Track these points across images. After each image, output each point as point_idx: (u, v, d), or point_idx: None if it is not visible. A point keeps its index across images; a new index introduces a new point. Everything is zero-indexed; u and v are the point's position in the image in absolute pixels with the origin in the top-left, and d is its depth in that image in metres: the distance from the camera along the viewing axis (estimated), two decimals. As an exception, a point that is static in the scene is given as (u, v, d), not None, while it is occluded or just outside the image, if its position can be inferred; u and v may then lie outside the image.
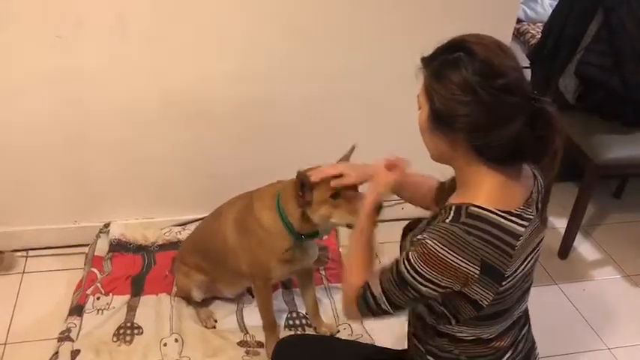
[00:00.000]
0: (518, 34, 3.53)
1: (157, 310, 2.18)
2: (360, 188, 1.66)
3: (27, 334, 2.10)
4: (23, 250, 2.48)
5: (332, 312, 2.23)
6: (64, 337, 2.03)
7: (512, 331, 1.32)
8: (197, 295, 2.13)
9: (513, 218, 1.16)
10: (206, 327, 2.13)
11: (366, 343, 1.96)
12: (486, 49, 1.11)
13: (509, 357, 1.33)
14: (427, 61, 1.19)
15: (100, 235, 2.49)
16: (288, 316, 2.21)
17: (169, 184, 2.49)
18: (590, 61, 2.49)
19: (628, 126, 2.53)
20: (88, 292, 2.21)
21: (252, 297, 2.17)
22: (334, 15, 2.25)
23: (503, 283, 1.17)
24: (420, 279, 1.15)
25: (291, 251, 1.83)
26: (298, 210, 1.74)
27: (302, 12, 2.21)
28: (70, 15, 2.05)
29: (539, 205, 1.25)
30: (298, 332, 2.14)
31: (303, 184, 1.67)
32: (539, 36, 2.96)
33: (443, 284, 1.15)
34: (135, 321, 2.13)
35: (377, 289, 1.24)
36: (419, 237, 1.17)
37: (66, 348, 1.98)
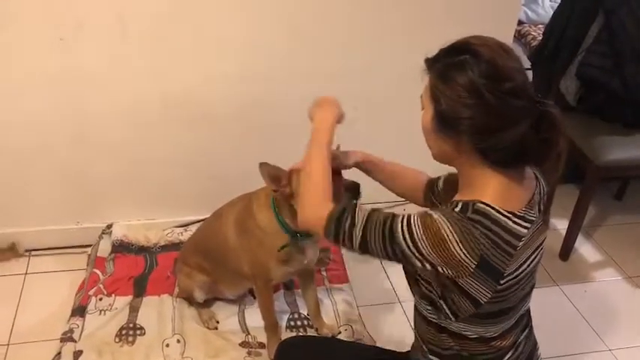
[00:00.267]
0: (520, 36, 3.54)
1: (159, 310, 2.18)
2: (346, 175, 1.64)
3: (30, 335, 2.11)
4: (26, 250, 2.49)
5: (333, 313, 2.23)
6: (67, 337, 2.03)
7: (515, 331, 1.32)
8: (199, 295, 2.13)
9: (517, 220, 1.16)
10: (208, 328, 2.14)
11: (369, 345, 1.96)
12: (492, 52, 1.12)
13: (510, 356, 1.33)
14: (432, 62, 1.19)
15: (103, 236, 2.50)
16: (290, 317, 2.21)
17: (171, 185, 2.50)
18: (591, 63, 2.49)
19: (629, 128, 2.53)
20: (91, 292, 2.22)
21: (254, 298, 2.18)
22: (334, 16, 2.26)
23: (502, 282, 1.17)
24: (412, 247, 1.15)
25: (288, 250, 1.82)
26: (286, 205, 1.73)
27: (302, 13, 2.22)
28: (72, 17, 2.06)
29: (542, 207, 1.26)
30: (300, 333, 2.14)
31: (274, 178, 1.65)
32: (541, 38, 2.96)
33: (431, 261, 1.14)
34: (137, 322, 2.13)
35: (359, 223, 1.22)
36: (427, 211, 1.17)
37: (68, 349, 1.99)
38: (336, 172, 1.56)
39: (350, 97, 2.35)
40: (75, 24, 2.07)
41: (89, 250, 2.46)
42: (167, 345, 2.04)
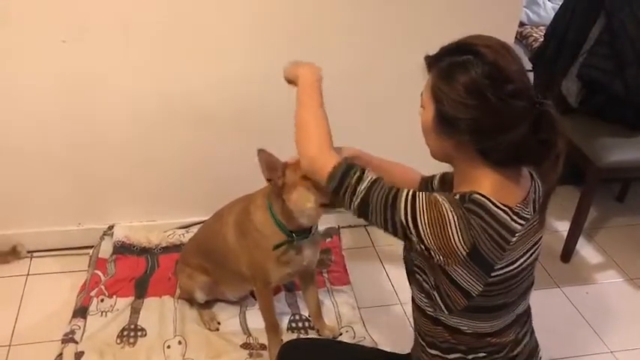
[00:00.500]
0: (521, 38, 3.54)
1: (160, 312, 2.18)
2: None
3: (31, 336, 2.11)
4: (28, 252, 2.49)
5: (334, 315, 2.23)
6: (68, 338, 2.03)
7: (512, 330, 1.32)
8: (200, 296, 2.14)
9: (512, 215, 1.17)
10: (209, 329, 2.14)
11: (371, 347, 1.96)
12: (495, 53, 1.12)
13: (506, 352, 1.33)
14: (433, 61, 1.20)
15: (104, 237, 2.50)
16: (291, 318, 2.21)
17: (173, 186, 2.50)
18: (593, 65, 2.49)
19: (630, 129, 2.53)
20: (92, 294, 2.22)
21: (255, 300, 2.18)
22: (334, 17, 2.26)
23: (493, 275, 1.18)
24: (410, 219, 1.15)
25: (285, 250, 1.82)
26: (279, 202, 1.74)
27: (302, 15, 2.22)
28: (74, 19, 2.06)
29: (537, 206, 1.26)
30: (301, 335, 2.14)
31: (270, 166, 1.66)
32: (542, 39, 2.96)
33: (424, 240, 1.14)
34: (138, 323, 2.14)
35: (366, 181, 1.21)
36: (432, 193, 1.18)
37: (70, 350, 1.99)
38: None
39: (350, 97, 2.38)
40: (77, 26, 2.07)
41: (91, 251, 2.46)
42: (168, 346, 2.05)
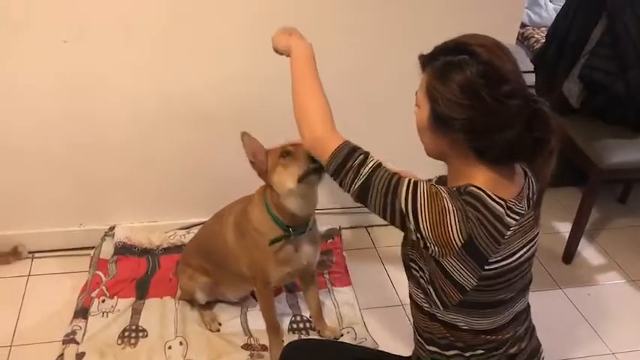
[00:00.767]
0: (523, 39, 3.54)
1: (161, 313, 2.19)
2: None
3: (32, 337, 2.11)
4: (29, 252, 2.49)
5: (335, 315, 2.23)
6: (69, 339, 2.03)
7: (510, 327, 1.32)
8: (201, 297, 2.14)
9: (507, 209, 1.18)
10: (210, 330, 2.14)
11: (372, 349, 1.97)
12: (489, 52, 1.13)
13: (505, 350, 1.33)
14: (427, 60, 1.21)
15: (105, 238, 2.50)
16: (292, 319, 2.21)
17: (174, 187, 2.50)
18: (595, 66, 2.49)
19: (632, 130, 2.53)
20: (93, 294, 2.22)
21: (256, 300, 2.18)
22: (334, 18, 2.26)
23: (487, 268, 1.18)
24: (410, 206, 1.15)
25: (283, 248, 1.81)
26: (271, 194, 1.76)
27: (302, 15, 2.22)
28: (75, 19, 2.06)
29: (531, 202, 1.26)
30: (302, 335, 2.14)
31: (253, 150, 1.72)
32: (544, 40, 2.96)
33: (421, 228, 1.15)
34: (140, 324, 2.14)
35: (369, 165, 1.21)
36: (432, 183, 1.19)
37: (71, 350, 1.99)
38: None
39: (350, 97, 2.38)
40: (77, 26, 2.08)
41: (92, 252, 2.46)
42: (169, 347, 2.05)
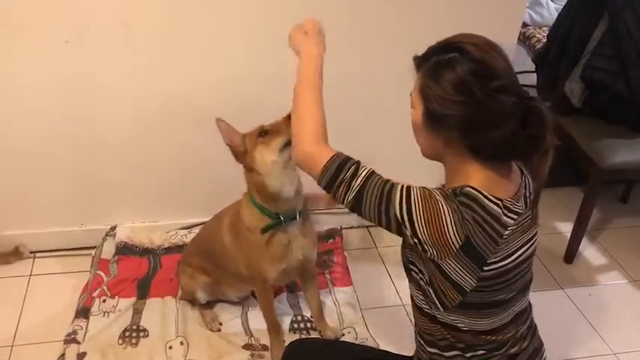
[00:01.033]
0: (524, 38, 3.53)
1: (162, 312, 2.19)
2: None
3: (33, 336, 2.11)
4: (30, 252, 2.50)
5: (336, 315, 2.23)
6: (71, 339, 2.04)
7: (511, 327, 1.32)
8: (201, 296, 2.14)
9: (504, 209, 1.18)
10: (211, 330, 2.14)
11: (374, 348, 1.97)
12: (480, 49, 1.14)
13: (506, 350, 1.33)
14: (421, 61, 1.22)
15: (107, 238, 2.50)
16: (293, 319, 2.21)
17: (175, 187, 2.51)
18: (596, 65, 2.48)
19: (633, 130, 2.52)
20: (95, 294, 2.23)
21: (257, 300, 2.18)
22: (335, 18, 2.24)
23: (486, 269, 1.18)
24: (405, 212, 1.15)
25: (274, 238, 1.81)
26: (253, 182, 1.78)
27: (303, 16, 2.20)
28: (77, 19, 2.07)
29: (528, 201, 1.26)
30: (303, 335, 2.14)
31: (229, 135, 1.76)
32: (545, 40, 2.96)
33: (418, 233, 1.14)
34: (141, 324, 2.14)
35: (361, 176, 1.21)
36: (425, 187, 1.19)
37: (72, 350, 2.00)
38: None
39: (350, 98, 2.38)
40: (77, 26, 2.08)
41: (93, 252, 2.47)
42: (170, 347, 2.05)
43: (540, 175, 1.21)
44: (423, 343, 1.38)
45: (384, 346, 2.06)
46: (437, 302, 1.25)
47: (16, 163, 2.31)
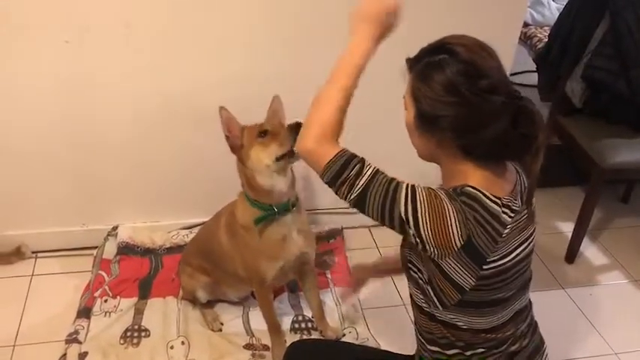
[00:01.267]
0: (525, 38, 3.52)
1: (164, 312, 2.19)
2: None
3: (35, 336, 2.12)
4: (32, 252, 2.50)
5: (337, 316, 2.23)
6: (72, 339, 2.04)
7: (510, 325, 1.32)
8: (202, 296, 2.14)
9: (503, 207, 1.18)
10: (212, 330, 2.15)
11: (376, 348, 1.97)
12: (468, 50, 1.15)
13: (506, 348, 1.33)
14: (412, 63, 1.24)
15: (108, 238, 2.51)
16: (294, 319, 2.21)
17: (176, 187, 2.51)
18: (597, 65, 2.48)
19: (634, 130, 2.52)
20: (96, 294, 2.23)
21: (258, 300, 2.19)
22: (335, 18, 2.24)
23: (485, 267, 1.18)
24: (410, 211, 1.15)
25: (268, 230, 1.81)
26: (244, 173, 1.78)
27: (303, 16, 2.22)
28: (77, 19, 2.07)
29: (525, 199, 1.27)
30: (304, 335, 2.15)
31: (229, 125, 1.78)
32: (546, 40, 2.95)
33: (421, 233, 1.14)
34: (142, 324, 2.15)
35: (366, 174, 1.19)
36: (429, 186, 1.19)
37: (74, 350, 2.00)
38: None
39: (351, 99, 2.38)
40: (77, 26, 2.08)
41: (95, 252, 2.47)
42: (171, 347, 2.06)
43: (533, 174, 1.21)
44: (423, 341, 1.39)
45: (385, 345, 2.06)
46: (436, 301, 1.26)
47: (17, 163, 2.31)
